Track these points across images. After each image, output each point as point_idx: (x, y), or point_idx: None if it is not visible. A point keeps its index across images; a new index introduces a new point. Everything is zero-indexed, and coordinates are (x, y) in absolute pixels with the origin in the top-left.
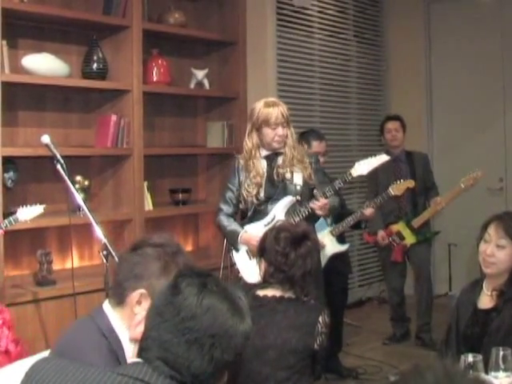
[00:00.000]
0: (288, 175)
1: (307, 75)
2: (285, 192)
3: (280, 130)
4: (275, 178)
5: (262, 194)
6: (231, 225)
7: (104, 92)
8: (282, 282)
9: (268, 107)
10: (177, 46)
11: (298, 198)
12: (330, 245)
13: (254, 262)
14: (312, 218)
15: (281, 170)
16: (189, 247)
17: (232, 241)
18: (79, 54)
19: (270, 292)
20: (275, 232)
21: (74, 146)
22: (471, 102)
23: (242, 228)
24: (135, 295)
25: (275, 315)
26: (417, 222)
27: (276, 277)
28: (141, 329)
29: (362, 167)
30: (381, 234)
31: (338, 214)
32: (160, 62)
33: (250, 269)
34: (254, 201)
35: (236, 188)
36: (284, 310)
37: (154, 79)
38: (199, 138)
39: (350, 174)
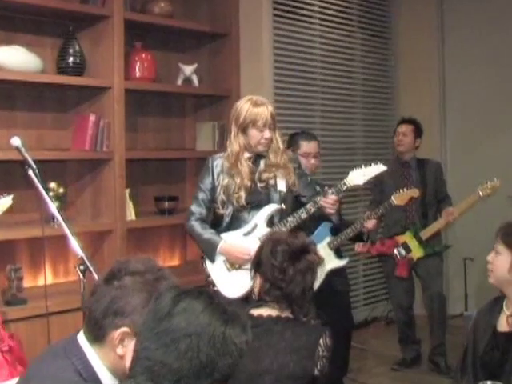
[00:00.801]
0: (272, 181)
1: (307, 71)
2: (268, 199)
3: (267, 133)
4: (258, 183)
5: (242, 200)
6: (206, 232)
7: (81, 89)
8: (279, 300)
9: (257, 107)
10: (162, 38)
11: (283, 206)
12: (327, 259)
13: (232, 274)
14: (302, 227)
15: (265, 176)
16: (175, 261)
17: (208, 251)
18: (54, 46)
19: (265, 311)
20: (271, 245)
21: (48, 149)
22: (489, 101)
23: (219, 236)
24: (117, 335)
25: (271, 337)
26: (425, 234)
27: (272, 294)
28: None
29: (358, 177)
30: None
31: (336, 226)
32: (144, 56)
33: (228, 282)
34: (234, 205)
35: (209, 190)
36: (281, 331)
37: (137, 75)
38: (187, 140)
39: (345, 184)
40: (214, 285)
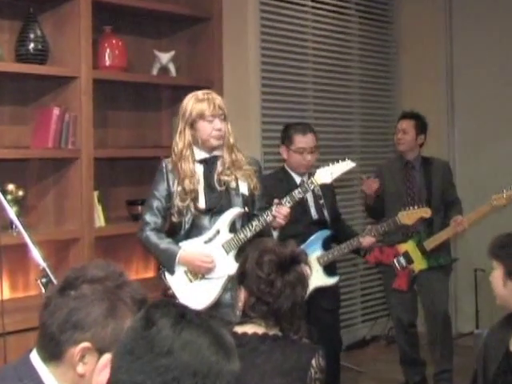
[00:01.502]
0: (233, 184)
1: (298, 59)
2: (230, 203)
3: (217, 123)
4: (217, 185)
5: (202, 205)
6: (163, 242)
7: (44, 79)
8: (266, 315)
9: (202, 100)
10: (135, 22)
11: (247, 209)
12: (314, 275)
13: (195, 284)
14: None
15: (225, 178)
16: (150, 273)
17: (167, 262)
18: (12, 31)
19: (250, 328)
20: (257, 254)
21: (6, 147)
22: (504, 94)
23: (177, 245)
24: (76, 351)
25: (257, 357)
26: (430, 244)
27: (258, 309)
28: (105, 376)
29: (325, 175)
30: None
31: (329, 238)
32: (114, 42)
33: (190, 294)
34: (193, 211)
35: (164, 197)
36: (268, 350)
37: (107, 63)
38: (164, 136)
39: (312, 183)
40: (174, 298)
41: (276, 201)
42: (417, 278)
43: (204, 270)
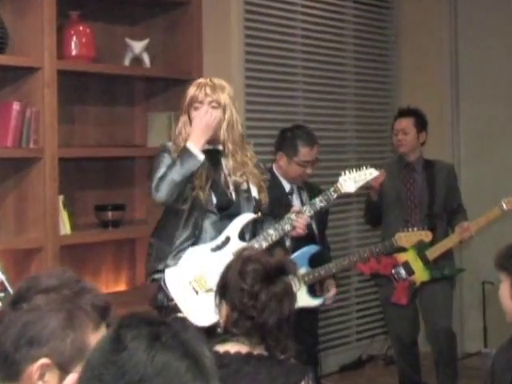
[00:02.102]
0: (245, 185)
1: (287, 49)
2: (243, 207)
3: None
4: (230, 186)
5: (213, 203)
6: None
7: (2, 70)
8: (250, 332)
9: (194, 86)
10: (105, 7)
11: (260, 215)
12: (297, 295)
13: (201, 297)
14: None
15: (237, 178)
16: (121, 286)
17: (187, 164)
18: None
19: (232, 347)
20: (240, 263)
21: None
22: None
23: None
24: (35, 369)
25: (241, 380)
26: (433, 253)
27: (241, 325)
28: None
29: (349, 183)
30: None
31: (316, 255)
32: (81, 29)
33: (196, 308)
34: (202, 202)
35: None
36: (253, 372)
37: (74, 53)
38: (137, 134)
39: (336, 191)
40: (177, 310)
41: (296, 209)
42: (418, 291)
43: (210, 117)
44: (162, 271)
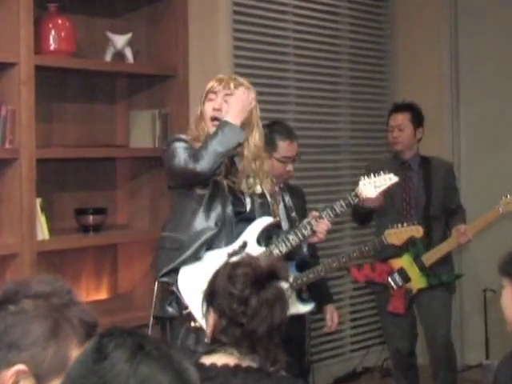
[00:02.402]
0: (258, 188)
1: (277, 43)
2: (261, 211)
3: (219, 101)
4: (244, 188)
5: (246, 205)
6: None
7: None
8: (239, 341)
9: (218, 80)
10: None
11: (278, 219)
12: None
13: None
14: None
15: (251, 181)
16: (102, 294)
17: (227, 137)
18: None
19: (220, 359)
20: (230, 267)
21: None
22: None
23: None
24: (10, 374)
25: None
26: (430, 258)
27: (230, 333)
28: None
29: (369, 188)
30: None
31: (303, 259)
32: (60, 21)
33: None
34: (226, 190)
35: None
36: None
37: (52, 47)
38: (119, 133)
39: (356, 196)
40: (193, 319)
41: (315, 213)
42: (415, 299)
43: (247, 98)
44: (174, 272)
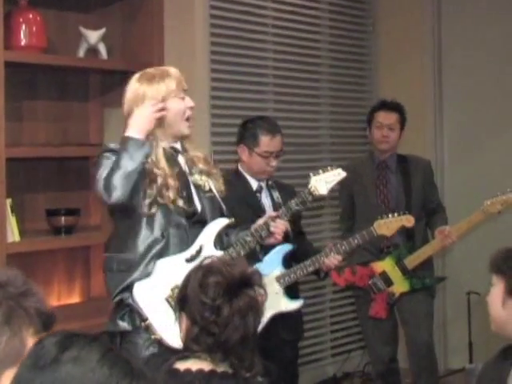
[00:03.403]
0: (206, 186)
1: (256, 39)
2: (211, 207)
3: (189, 100)
4: (202, 187)
5: (179, 207)
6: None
7: None
8: (212, 349)
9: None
10: None
11: (232, 220)
12: (273, 300)
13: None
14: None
15: (204, 178)
16: (75, 298)
17: (130, 150)
18: None
19: (194, 364)
20: (201, 274)
21: None
22: (501, 82)
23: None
24: None
25: None
26: (412, 261)
27: (202, 342)
28: None
29: (321, 185)
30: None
31: (290, 254)
32: (31, 16)
33: (174, 326)
34: (180, 204)
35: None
36: None
37: (22, 43)
38: (92, 131)
39: (311, 194)
40: (152, 332)
41: (272, 214)
42: (397, 303)
43: (155, 111)
44: (129, 288)
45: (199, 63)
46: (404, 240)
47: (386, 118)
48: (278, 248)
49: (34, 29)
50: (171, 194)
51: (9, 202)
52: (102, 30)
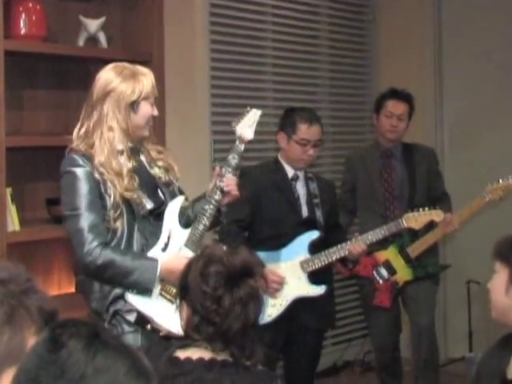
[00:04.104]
0: (166, 178)
1: (255, 28)
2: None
3: (155, 109)
4: (162, 179)
5: (146, 208)
6: (128, 254)
7: None
8: (212, 338)
9: (138, 75)
10: None
11: (185, 196)
12: (295, 283)
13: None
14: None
15: (162, 171)
16: (74, 287)
17: (144, 279)
18: None
19: (194, 353)
20: (202, 264)
21: None
22: (504, 68)
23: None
24: None
25: None
26: (415, 250)
27: (203, 331)
28: None
29: (246, 130)
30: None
31: (318, 241)
32: (31, 5)
33: (177, 316)
34: (140, 212)
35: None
36: (217, 379)
37: (22, 32)
38: None
39: (241, 140)
40: (156, 332)
41: (217, 171)
42: (401, 291)
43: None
44: (119, 299)
45: (199, 52)
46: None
47: (396, 107)
48: (305, 234)
49: (34, 18)
50: (125, 182)
51: (9, 191)
52: (102, 19)
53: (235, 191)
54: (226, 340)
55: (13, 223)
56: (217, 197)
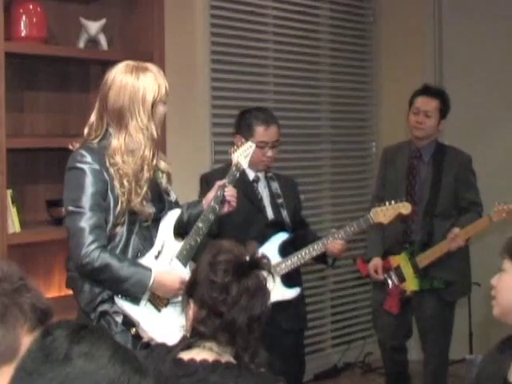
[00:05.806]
0: (162, 182)
1: (256, 29)
2: (170, 204)
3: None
4: (162, 184)
5: (150, 209)
6: (125, 261)
7: None
8: (218, 331)
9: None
10: None
11: (183, 208)
12: (270, 288)
13: (164, 313)
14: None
15: (161, 175)
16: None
17: (136, 289)
18: None
19: (198, 354)
20: (211, 255)
21: None
22: (506, 69)
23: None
24: None
25: None
26: (423, 261)
27: (210, 324)
28: None
29: (242, 159)
30: (375, 262)
31: (287, 242)
32: (32, 7)
33: (164, 328)
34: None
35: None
36: (220, 381)
37: (23, 34)
38: None
39: (238, 169)
40: (138, 338)
41: (219, 183)
42: (412, 299)
43: (173, 292)
44: (107, 301)
45: (200, 53)
46: (423, 235)
47: (424, 103)
48: (273, 237)
49: (35, 19)
50: (139, 199)
51: (9, 192)
52: (103, 21)
53: (234, 202)
54: (232, 332)
55: (13, 225)
56: (216, 207)
